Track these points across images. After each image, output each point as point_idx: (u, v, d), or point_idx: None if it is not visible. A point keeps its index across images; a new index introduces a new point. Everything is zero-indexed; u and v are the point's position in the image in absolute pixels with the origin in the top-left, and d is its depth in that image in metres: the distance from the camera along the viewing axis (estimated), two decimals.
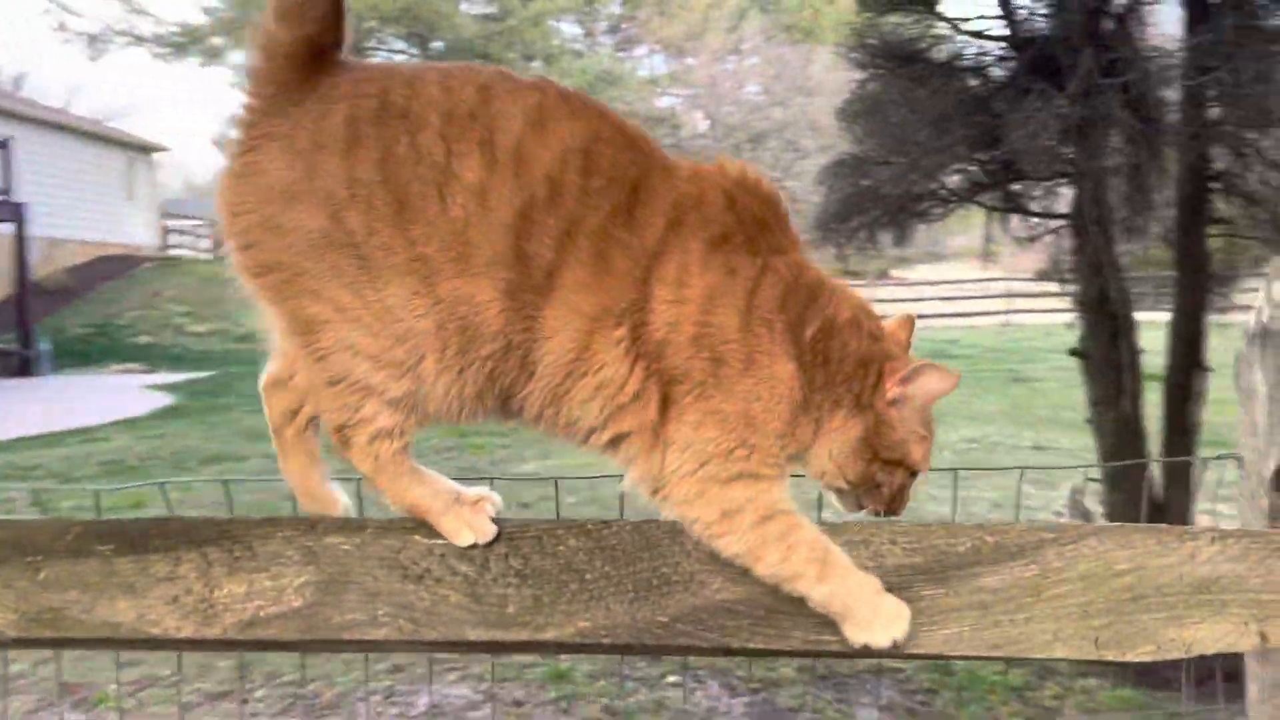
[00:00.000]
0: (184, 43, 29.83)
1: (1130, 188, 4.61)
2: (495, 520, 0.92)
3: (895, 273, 39.85)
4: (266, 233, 0.83)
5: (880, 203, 5.31)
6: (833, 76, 37.68)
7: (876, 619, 0.84)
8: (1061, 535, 0.91)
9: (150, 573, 0.93)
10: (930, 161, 5.13)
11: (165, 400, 12.03)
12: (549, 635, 0.91)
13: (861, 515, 0.93)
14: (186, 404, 11.70)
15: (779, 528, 0.85)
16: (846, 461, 0.90)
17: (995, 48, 5.18)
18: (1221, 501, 3.95)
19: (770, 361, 0.87)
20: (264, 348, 0.94)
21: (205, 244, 24.31)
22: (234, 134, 0.86)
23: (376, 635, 0.91)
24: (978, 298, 27.96)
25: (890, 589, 0.90)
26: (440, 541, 0.91)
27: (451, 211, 0.83)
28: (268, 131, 0.84)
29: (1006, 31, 4.99)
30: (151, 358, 16.59)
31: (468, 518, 0.89)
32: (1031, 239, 5.44)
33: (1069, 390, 12.80)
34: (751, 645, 0.90)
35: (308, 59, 0.84)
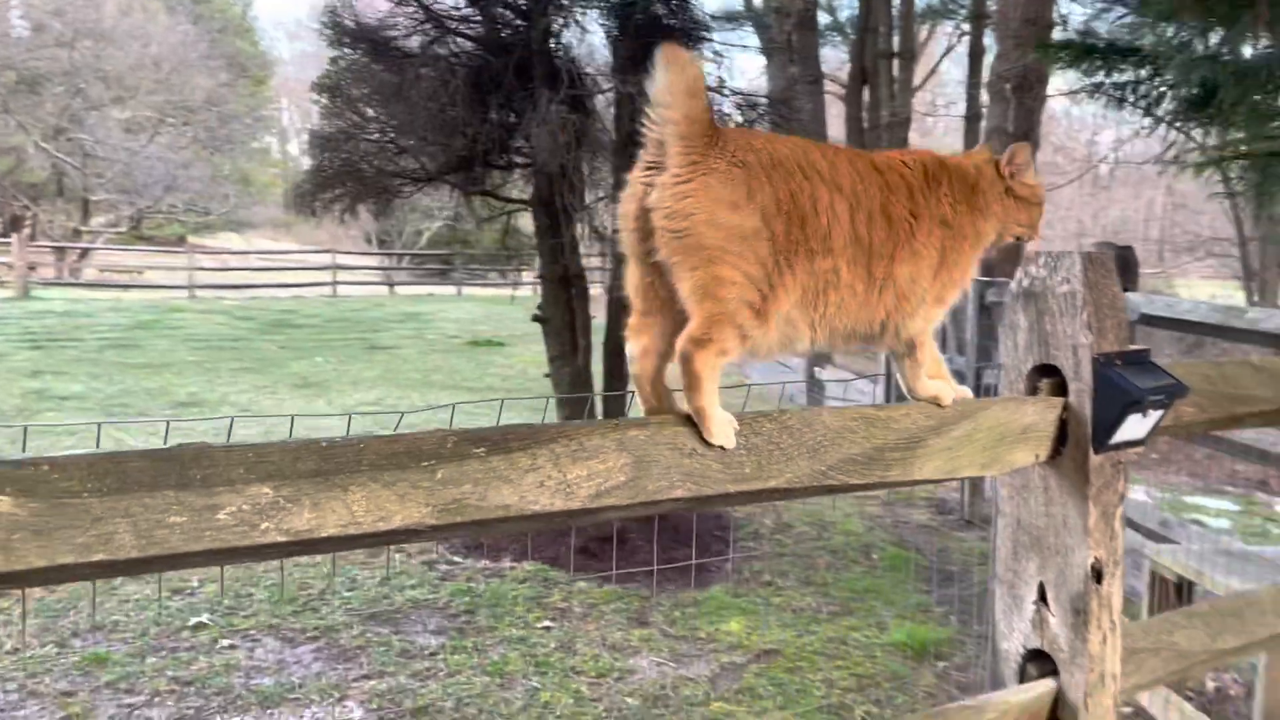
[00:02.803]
0: None
1: (578, 182, 5.59)
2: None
3: (194, 239, 37.98)
4: (707, 226, 1.20)
5: (359, 178, 5.64)
6: (128, 23, 34.56)
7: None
8: (984, 406, 1.61)
9: (518, 466, 1.17)
10: (411, 144, 5.59)
11: None
12: (773, 484, 1.35)
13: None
14: None
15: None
16: (1017, 222, 1.55)
17: (465, 46, 5.81)
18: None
19: (959, 237, 1.48)
20: None
21: None
22: (674, 166, 1.21)
23: (677, 494, 1.28)
24: (296, 269, 28.08)
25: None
26: (693, 430, 1.31)
27: (822, 219, 1.29)
28: (709, 168, 1.20)
29: (483, 32, 5.64)
30: None
31: (731, 425, 1.32)
32: (490, 218, 6.20)
33: (425, 356, 13.94)
34: (860, 482, 1.46)
35: (710, 120, 1.23)
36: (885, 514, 6.56)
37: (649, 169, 1.24)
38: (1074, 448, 1.74)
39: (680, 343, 1.26)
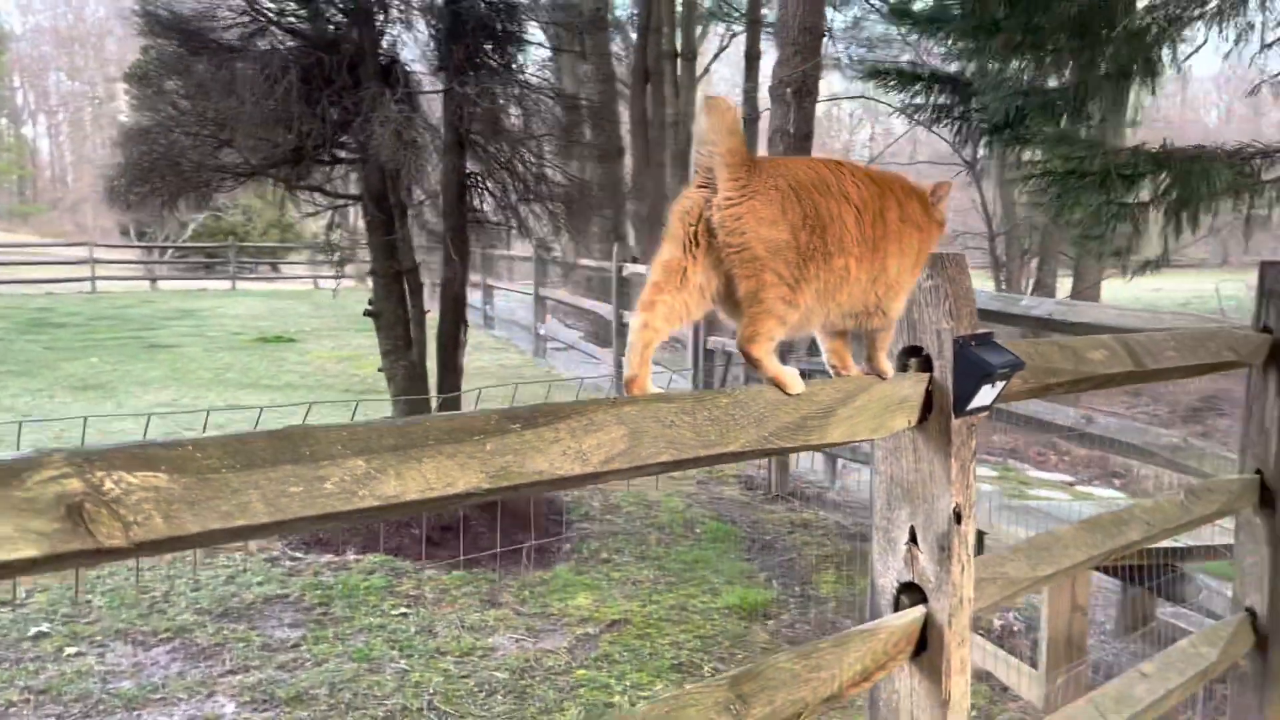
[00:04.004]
0: None
1: (409, 180, 5.68)
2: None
3: None
4: (755, 241, 1.48)
5: (177, 172, 5.51)
6: None
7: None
8: (874, 382, 1.94)
9: (544, 438, 1.38)
10: (235, 137, 5.51)
11: None
12: (731, 448, 1.62)
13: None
14: None
15: None
16: (934, 241, 1.87)
17: (287, 41, 5.76)
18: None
19: (926, 241, 1.81)
20: None
21: None
22: (724, 190, 1.47)
23: (664, 458, 1.52)
24: (41, 263, 25.96)
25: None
26: (670, 405, 1.56)
27: (835, 227, 1.58)
28: (753, 191, 1.48)
29: (307, 28, 5.62)
30: None
31: (795, 374, 1.65)
32: (314, 213, 6.15)
33: (212, 355, 13.34)
34: (791, 445, 1.75)
35: (746, 151, 1.50)
36: (700, 492, 7.00)
37: (702, 186, 1.51)
38: (938, 414, 2.11)
39: (738, 341, 1.58)
